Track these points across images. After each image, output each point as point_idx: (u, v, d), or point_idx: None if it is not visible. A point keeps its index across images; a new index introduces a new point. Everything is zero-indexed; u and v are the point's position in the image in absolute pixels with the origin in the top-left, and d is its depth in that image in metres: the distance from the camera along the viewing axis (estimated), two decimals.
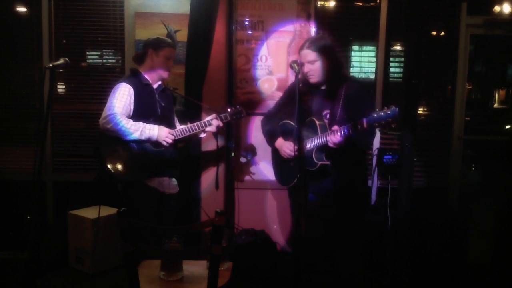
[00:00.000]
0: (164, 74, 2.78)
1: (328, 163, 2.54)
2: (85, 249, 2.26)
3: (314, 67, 2.60)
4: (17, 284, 3.04)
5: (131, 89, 2.65)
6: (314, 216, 2.67)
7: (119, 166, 2.61)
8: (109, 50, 3.73)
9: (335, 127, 2.46)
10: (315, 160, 2.55)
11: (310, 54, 2.59)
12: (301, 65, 2.61)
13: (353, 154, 2.58)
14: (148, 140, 2.65)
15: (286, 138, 2.77)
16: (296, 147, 2.33)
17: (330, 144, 2.45)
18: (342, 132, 2.41)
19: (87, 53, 3.74)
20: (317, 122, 2.58)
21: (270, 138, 2.87)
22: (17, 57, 3.71)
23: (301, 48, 2.65)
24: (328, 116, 2.61)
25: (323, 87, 2.68)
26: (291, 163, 2.72)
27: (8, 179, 3.70)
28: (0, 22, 3.67)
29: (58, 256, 2.59)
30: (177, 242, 2.02)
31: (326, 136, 2.48)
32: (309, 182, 2.64)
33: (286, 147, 2.72)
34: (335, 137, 2.43)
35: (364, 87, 2.81)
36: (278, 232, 3.57)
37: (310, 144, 2.59)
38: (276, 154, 2.85)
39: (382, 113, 2.24)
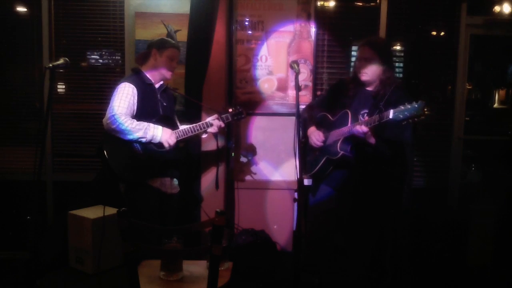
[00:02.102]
0: (167, 74, 2.78)
1: (351, 155, 2.55)
2: (85, 249, 2.26)
3: (369, 66, 2.61)
4: (17, 284, 3.04)
5: (135, 88, 2.64)
6: (328, 212, 2.68)
7: (124, 167, 2.61)
8: (109, 50, 3.73)
9: (365, 118, 2.46)
10: (338, 149, 2.57)
11: (368, 52, 2.60)
12: (357, 60, 2.65)
13: (381, 153, 2.57)
14: (151, 141, 2.65)
15: (319, 128, 2.80)
16: (297, 144, 2.33)
17: (356, 133, 2.44)
18: (368, 122, 2.41)
19: (87, 53, 3.74)
20: (350, 115, 2.59)
21: (305, 125, 2.90)
22: (17, 57, 3.71)
23: (361, 44, 2.66)
24: (365, 115, 2.61)
25: (369, 88, 2.68)
26: (316, 152, 2.76)
27: (8, 179, 3.70)
28: (0, 22, 3.67)
29: (58, 256, 2.59)
30: (177, 242, 2.02)
31: (353, 126, 2.49)
32: (329, 171, 2.66)
33: (314, 135, 2.76)
34: (361, 127, 2.43)
35: (408, 95, 2.84)
36: (278, 232, 3.57)
37: (337, 133, 2.61)
38: (306, 142, 2.88)
39: (409, 106, 2.23)
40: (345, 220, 2.68)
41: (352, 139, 2.52)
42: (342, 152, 2.55)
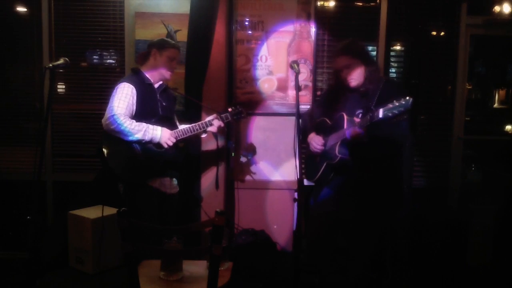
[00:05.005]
0: (166, 74, 2.78)
1: (349, 158, 2.55)
2: (85, 249, 2.26)
3: (353, 71, 2.61)
4: (17, 284, 3.04)
5: (134, 89, 2.64)
6: (329, 213, 2.68)
7: (123, 167, 2.61)
8: (109, 50, 3.73)
9: (357, 120, 2.46)
10: (337, 153, 2.56)
11: (347, 59, 2.60)
12: (339, 71, 2.65)
13: (379, 152, 2.56)
14: (151, 142, 2.65)
15: (319, 133, 2.79)
16: (297, 144, 2.33)
17: (349, 136, 2.45)
18: (361, 124, 2.41)
19: (87, 53, 3.74)
20: (346, 117, 2.59)
21: (304, 132, 2.90)
22: (17, 57, 3.71)
23: (337, 54, 2.67)
24: (360, 115, 2.60)
25: (358, 87, 2.68)
26: (317, 158, 2.76)
27: (8, 179, 3.70)
28: (0, 22, 3.67)
29: (58, 256, 2.59)
30: (177, 242, 2.02)
31: (348, 129, 2.49)
32: (331, 176, 2.66)
33: (314, 141, 2.75)
34: (354, 129, 2.43)
35: (400, 88, 2.82)
36: (278, 232, 3.57)
37: (334, 137, 2.61)
38: (307, 149, 2.88)
39: (397, 103, 2.23)
40: (347, 222, 2.68)
41: (349, 142, 2.52)
42: (340, 156, 2.55)
